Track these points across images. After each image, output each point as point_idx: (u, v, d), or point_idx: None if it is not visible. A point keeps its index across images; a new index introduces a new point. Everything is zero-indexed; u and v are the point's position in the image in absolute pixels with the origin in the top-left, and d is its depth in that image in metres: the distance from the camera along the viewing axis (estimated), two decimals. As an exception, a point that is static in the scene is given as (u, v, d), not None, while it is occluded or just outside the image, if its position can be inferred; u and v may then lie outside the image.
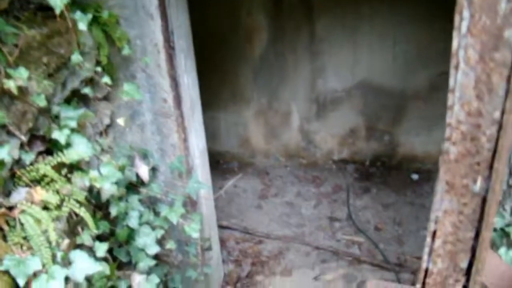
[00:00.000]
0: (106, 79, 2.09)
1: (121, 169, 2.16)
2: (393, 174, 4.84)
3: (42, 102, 1.76)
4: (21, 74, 1.65)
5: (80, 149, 1.86)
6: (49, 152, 2.00)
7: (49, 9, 2.09)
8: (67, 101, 2.11)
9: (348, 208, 4.31)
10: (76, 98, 2.16)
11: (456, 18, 0.83)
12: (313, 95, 4.70)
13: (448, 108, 0.90)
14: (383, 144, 4.85)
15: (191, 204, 2.76)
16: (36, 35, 1.99)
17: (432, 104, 4.51)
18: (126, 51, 2.20)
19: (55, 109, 1.95)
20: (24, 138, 1.80)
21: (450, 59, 0.87)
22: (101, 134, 2.41)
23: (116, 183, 2.02)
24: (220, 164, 5.12)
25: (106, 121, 2.43)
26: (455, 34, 0.83)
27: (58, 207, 1.81)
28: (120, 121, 2.28)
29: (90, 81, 2.21)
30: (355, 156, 4.96)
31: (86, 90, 2.09)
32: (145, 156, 2.56)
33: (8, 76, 1.65)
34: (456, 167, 0.95)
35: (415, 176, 4.77)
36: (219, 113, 4.92)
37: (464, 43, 0.83)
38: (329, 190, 4.63)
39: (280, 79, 4.66)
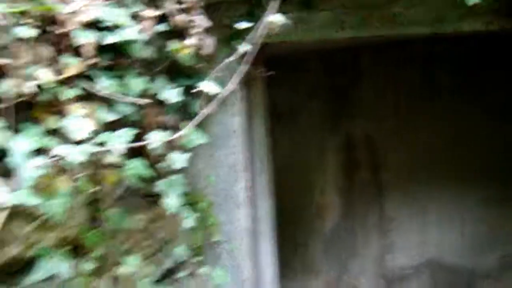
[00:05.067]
0: (203, 269, 2.31)
1: None
2: None
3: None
4: (131, 263, 1.89)
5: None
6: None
7: (155, 194, 2.39)
8: (159, 280, 2.33)
9: None
10: (167, 277, 2.38)
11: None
12: (381, 270, 4.75)
13: None
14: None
15: None
16: (142, 220, 2.27)
17: (503, 283, 4.44)
18: (216, 238, 2.45)
19: (152, 291, 2.17)
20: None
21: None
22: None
23: None
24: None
25: (191, 298, 2.61)
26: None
27: None
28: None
29: (181, 263, 2.45)
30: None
31: (181, 274, 2.31)
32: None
33: (118, 264, 1.90)
34: None
35: None
36: (288, 284, 4.99)
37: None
38: None
39: (350, 253, 4.77)
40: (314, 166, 4.65)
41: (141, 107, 2.04)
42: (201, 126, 2.29)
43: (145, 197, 2.40)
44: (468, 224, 4.43)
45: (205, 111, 2.07)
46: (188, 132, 2.00)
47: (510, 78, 4.15)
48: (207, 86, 2.00)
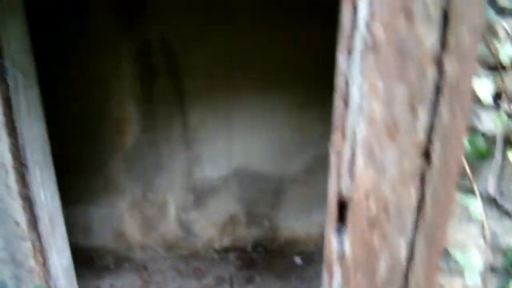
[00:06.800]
0: None
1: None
2: (276, 259, 4.73)
3: None
4: None
5: None
6: None
7: None
8: None
9: (232, 302, 4.13)
10: None
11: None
12: (189, 184, 4.55)
13: None
14: (264, 229, 4.77)
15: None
16: None
17: (309, 187, 4.53)
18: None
19: None
20: None
21: None
22: None
23: None
24: (94, 261, 4.72)
25: None
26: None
27: None
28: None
29: None
30: (237, 243, 4.82)
31: None
32: (-4, 287, 2.23)
33: None
34: None
35: (298, 260, 4.71)
36: (91, 207, 4.59)
37: None
38: (211, 283, 4.41)
39: (155, 169, 4.47)
40: (108, 75, 4.12)
41: None
42: None
43: None
44: (273, 130, 4.36)
45: None
46: None
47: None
48: None
